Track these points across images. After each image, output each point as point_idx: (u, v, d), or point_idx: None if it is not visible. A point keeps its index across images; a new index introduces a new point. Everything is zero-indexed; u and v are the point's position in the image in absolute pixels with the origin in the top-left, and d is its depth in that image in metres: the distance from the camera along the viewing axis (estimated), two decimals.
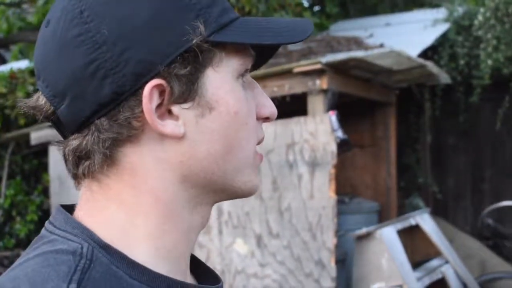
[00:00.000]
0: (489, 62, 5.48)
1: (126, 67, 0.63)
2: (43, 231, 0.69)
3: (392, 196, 5.61)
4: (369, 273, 4.24)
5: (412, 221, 4.71)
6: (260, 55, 0.76)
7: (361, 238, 4.28)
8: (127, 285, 0.63)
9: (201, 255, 4.34)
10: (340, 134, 4.07)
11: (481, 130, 6.60)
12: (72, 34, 0.63)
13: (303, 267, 4.06)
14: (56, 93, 0.66)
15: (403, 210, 5.89)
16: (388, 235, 4.26)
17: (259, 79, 4.20)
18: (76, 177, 0.70)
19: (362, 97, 5.02)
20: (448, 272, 4.56)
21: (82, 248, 0.63)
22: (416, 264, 4.55)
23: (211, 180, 0.70)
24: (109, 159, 0.66)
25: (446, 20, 6.19)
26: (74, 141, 0.66)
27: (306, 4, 6.81)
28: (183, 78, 0.65)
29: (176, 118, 0.66)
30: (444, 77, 5.48)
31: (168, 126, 0.65)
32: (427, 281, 4.32)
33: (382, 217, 5.30)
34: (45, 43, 0.67)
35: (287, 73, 4.28)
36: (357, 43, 5.59)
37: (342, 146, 4.11)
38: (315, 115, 4.16)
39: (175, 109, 0.66)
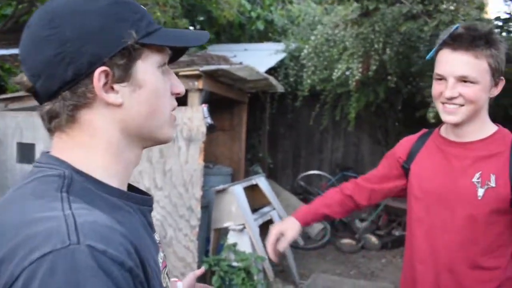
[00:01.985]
0: (309, 81, 5.52)
1: (83, 57, 0.66)
2: (32, 168, 0.72)
3: (242, 165, 5.51)
4: (223, 216, 4.11)
5: (253, 182, 4.65)
6: (175, 53, 0.79)
7: (219, 192, 4.14)
8: (94, 194, 0.67)
9: None
10: (209, 120, 3.92)
11: (301, 124, 6.70)
12: (45, 34, 0.66)
13: (178, 211, 3.84)
14: (34, 73, 0.68)
15: (248, 174, 5.83)
16: (237, 190, 4.16)
17: None
18: (50, 130, 0.72)
19: (226, 96, 4.85)
20: (274, 215, 4.54)
21: (64, 172, 0.67)
22: (254, 210, 4.49)
23: (141, 132, 0.74)
24: (72, 118, 0.70)
25: (283, 51, 6.17)
26: (47, 107, 0.70)
27: (191, 28, 6.51)
28: (121, 66, 0.69)
29: (116, 92, 0.70)
30: (280, 88, 5.45)
31: (111, 97, 0.69)
32: (260, 221, 4.27)
33: (234, 178, 5.18)
34: (24, 40, 0.70)
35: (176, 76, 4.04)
36: (225, 60, 5.40)
37: (210, 128, 3.96)
38: (193, 106, 3.96)
39: (116, 86, 0.70)
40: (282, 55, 6.07)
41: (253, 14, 6.60)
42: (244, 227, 3.97)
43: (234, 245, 3.92)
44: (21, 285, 0.53)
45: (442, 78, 1.36)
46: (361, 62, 4.90)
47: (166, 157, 3.92)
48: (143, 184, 3.95)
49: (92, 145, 0.71)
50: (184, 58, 5.26)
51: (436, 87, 1.39)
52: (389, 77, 5.05)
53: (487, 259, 1.39)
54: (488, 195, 1.35)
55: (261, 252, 3.89)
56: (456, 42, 1.31)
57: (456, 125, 1.40)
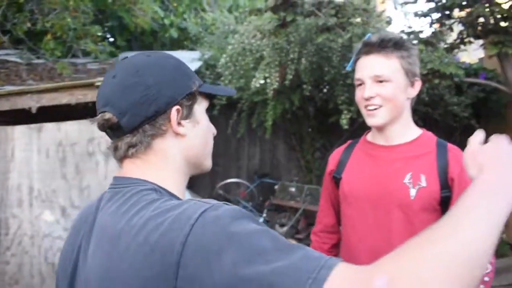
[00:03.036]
0: None
1: (162, 99, 0.83)
2: (110, 191, 0.86)
3: None
4: None
5: None
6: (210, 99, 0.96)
7: None
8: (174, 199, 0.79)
9: (14, 223, 3.62)
10: None
11: (218, 133, 6.65)
12: (132, 81, 0.83)
13: None
14: (121, 112, 0.82)
15: None
16: None
17: (68, 88, 3.66)
18: (121, 158, 0.87)
19: None
20: None
21: (154, 187, 0.82)
22: None
23: (196, 159, 0.91)
24: (149, 146, 0.85)
25: (199, 59, 6.12)
26: (128, 138, 0.84)
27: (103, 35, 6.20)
28: (187, 107, 0.87)
29: (183, 126, 0.87)
30: None
31: (180, 129, 0.86)
32: None
33: None
34: (111, 86, 0.84)
35: (90, 85, 3.78)
36: None
37: None
38: None
39: (183, 122, 0.87)
40: (197, 64, 6.01)
41: (166, 22, 6.46)
42: None
43: None
44: (198, 234, 0.67)
45: (361, 83, 1.46)
46: (277, 71, 5.03)
47: (83, 173, 3.68)
48: (58, 203, 3.67)
49: (164, 167, 0.86)
50: (94, 66, 4.99)
51: (358, 93, 1.47)
52: (304, 86, 5.24)
53: None
54: (420, 195, 1.40)
55: None
56: (368, 47, 1.44)
57: (381, 128, 1.47)
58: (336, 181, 1.60)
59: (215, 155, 6.65)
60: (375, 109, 1.42)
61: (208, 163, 0.95)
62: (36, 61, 5.42)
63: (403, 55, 1.41)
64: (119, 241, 0.72)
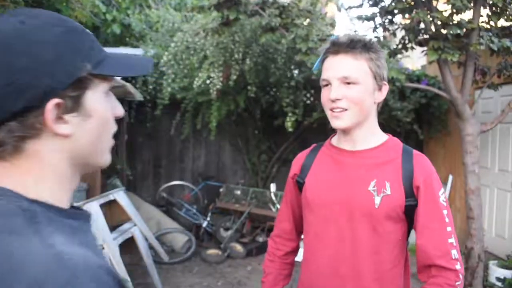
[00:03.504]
0: (169, 89, 5.36)
1: (35, 90, 0.63)
2: None
3: (98, 178, 5.07)
4: None
5: (111, 197, 4.31)
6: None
7: None
8: (57, 221, 0.66)
9: None
10: None
11: (160, 134, 6.48)
12: None
13: None
14: None
15: (105, 188, 5.41)
16: (93, 207, 3.79)
17: None
18: None
19: None
20: (136, 231, 4.28)
21: (22, 204, 0.64)
22: (113, 228, 4.17)
23: (87, 160, 0.73)
24: (18, 148, 0.66)
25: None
26: None
27: None
28: (73, 98, 0.67)
29: (66, 122, 0.68)
30: (138, 96, 5.16)
31: (61, 128, 0.67)
32: (120, 239, 3.97)
33: (90, 194, 4.74)
34: None
35: None
36: None
37: None
38: None
39: (66, 117, 0.67)
40: None
41: (108, 17, 6.17)
42: (103, 248, 3.64)
43: None
44: None
45: (327, 84, 1.38)
46: (221, 71, 4.91)
47: None
48: None
49: (41, 174, 0.69)
50: None
51: (323, 94, 1.40)
52: (249, 87, 5.15)
53: (390, 269, 1.39)
54: (384, 203, 1.35)
55: (122, 273, 3.60)
56: (336, 46, 1.36)
57: (346, 132, 1.41)
58: (300, 185, 1.53)
59: (158, 156, 6.43)
60: (341, 111, 1.36)
61: (103, 160, 0.76)
62: None
63: (372, 57, 1.34)
64: None
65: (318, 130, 6.03)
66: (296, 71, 5.56)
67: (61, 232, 0.64)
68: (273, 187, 5.70)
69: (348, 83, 1.34)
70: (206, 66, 4.89)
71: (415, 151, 1.43)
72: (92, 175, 4.99)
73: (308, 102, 5.85)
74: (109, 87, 0.74)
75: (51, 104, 0.64)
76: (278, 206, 5.72)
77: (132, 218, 4.36)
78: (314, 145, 1.59)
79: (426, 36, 3.87)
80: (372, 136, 1.43)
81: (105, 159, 0.77)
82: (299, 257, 1.67)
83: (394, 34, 4.36)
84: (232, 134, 6.44)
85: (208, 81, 5.01)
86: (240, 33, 4.90)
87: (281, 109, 5.48)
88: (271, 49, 5.15)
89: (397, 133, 6.25)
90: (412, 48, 4.21)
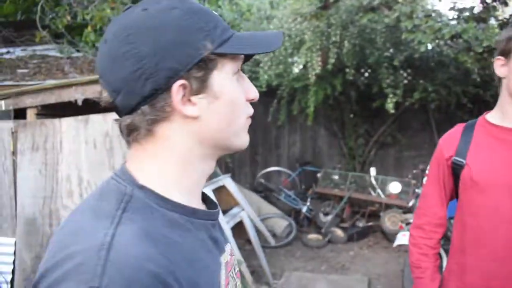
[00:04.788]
0: (265, 76, 5.47)
1: (160, 73, 0.65)
2: (108, 179, 0.71)
3: None
4: None
5: (221, 183, 4.52)
6: (246, 56, 0.76)
7: None
8: (155, 210, 0.66)
9: (65, 215, 3.69)
10: None
11: (256, 121, 6.64)
12: (122, 51, 0.66)
13: None
14: (113, 89, 0.68)
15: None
16: (207, 193, 4.02)
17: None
18: (128, 142, 0.72)
19: None
20: (244, 216, 4.45)
21: (126, 188, 0.67)
22: (223, 212, 4.37)
23: (218, 142, 0.73)
24: (150, 132, 0.69)
25: None
26: (127, 120, 0.69)
27: None
28: (198, 79, 0.67)
29: (194, 104, 0.69)
30: None
31: (188, 110, 0.68)
32: (232, 223, 4.17)
33: None
34: (102, 56, 0.69)
35: None
36: None
37: None
38: None
39: (193, 99, 0.68)
40: None
41: None
42: None
43: None
44: None
45: None
46: (319, 55, 4.92)
47: None
48: None
49: (165, 158, 0.70)
50: None
51: None
52: (347, 70, 5.11)
53: None
54: None
55: (237, 255, 3.78)
56: None
57: None
58: (457, 167, 1.49)
59: (254, 143, 6.62)
60: None
61: (239, 141, 0.75)
62: (75, 54, 5.49)
63: None
64: None
65: (419, 110, 5.84)
66: (391, 51, 5.42)
67: (146, 224, 0.63)
68: (373, 171, 5.64)
69: None
70: (303, 51, 4.92)
71: None
72: None
73: (406, 82, 5.69)
74: (237, 67, 0.72)
75: (176, 86, 0.65)
76: (379, 190, 5.65)
77: (241, 203, 4.55)
78: (461, 124, 1.55)
79: None
80: None
81: (243, 141, 0.76)
82: (405, 240, 1.64)
83: (505, 3, 4.10)
84: (328, 118, 6.44)
85: (304, 67, 5.05)
86: (336, 15, 4.87)
87: (379, 91, 5.38)
88: (368, 29, 5.06)
89: None
90: None
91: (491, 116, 1.48)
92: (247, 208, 4.58)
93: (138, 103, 0.66)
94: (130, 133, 0.69)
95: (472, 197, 1.47)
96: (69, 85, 3.73)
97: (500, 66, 1.39)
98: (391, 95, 4.99)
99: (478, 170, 1.43)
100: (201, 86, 0.68)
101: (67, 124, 3.54)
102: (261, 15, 6.34)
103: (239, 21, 6.76)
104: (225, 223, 3.98)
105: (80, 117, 3.53)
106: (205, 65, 0.67)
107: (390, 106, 4.92)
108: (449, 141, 1.54)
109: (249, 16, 6.78)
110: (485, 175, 1.42)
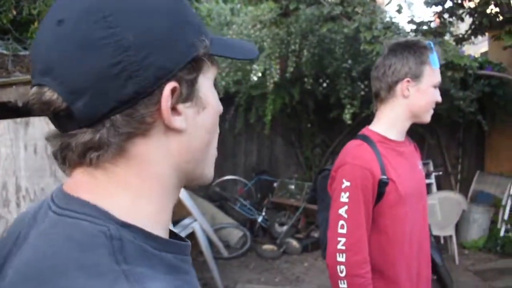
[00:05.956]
0: (223, 83, 5.33)
1: (148, 71, 0.49)
2: (51, 214, 0.51)
3: None
4: None
5: None
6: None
7: None
8: (152, 255, 0.50)
9: (1, 226, 3.38)
10: None
11: None
12: (96, 36, 0.47)
13: None
14: (73, 89, 0.48)
15: None
16: None
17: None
18: (73, 165, 0.52)
19: None
20: (196, 226, 4.27)
21: (109, 229, 0.48)
22: (174, 223, 4.17)
23: (193, 169, 0.58)
24: (121, 150, 0.51)
25: None
26: (85, 135, 0.49)
27: None
28: (189, 82, 0.53)
29: (179, 114, 0.53)
30: None
31: (177, 121, 0.53)
32: (183, 234, 3.96)
33: None
34: (58, 42, 0.48)
35: None
36: None
37: None
38: None
39: (180, 107, 0.53)
40: None
41: None
42: None
43: None
44: None
45: (437, 87, 1.54)
46: (278, 63, 4.83)
47: None
48: None
49: (141, 185, 0.53)
50: None
51: (434, 94, 1.53)
52: (305, 79, 5.04)
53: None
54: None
55: None
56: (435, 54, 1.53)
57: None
58: (383, 187, 1.49)
59: None
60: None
61: (209, 173, 0.62)
62: (22, 52, 5.15)
63: None
64: None
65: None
66: (350, 62, 5.41)
67: (156, 275, 0.49)
68: None
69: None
70: (262, 58, 4.82)
71: None
72: None
73: (363, 93, 5.69)
74: (215, 74, 0.60)
75: (168, 89, 0.51)
76: None
77: (193, 214, 4.36)
78: (360, 142, 1.53)
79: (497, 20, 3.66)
80: None
81: (210, 172, 0.62)
82: None
83: (461, 19, 4.15)
84: (285, 127, 6.35)
85: (263, 74, 4.95)
86: (296, 23, 4.80)
87: (337, 101, 5.34)
88: (327, 39, 5.02)
89: (458, 123, 5.99)
90: (483, 33, 3.99)
91: (385, 130, 1.56)
92: (200, 218, 4.40)
93: (111, 110, 0.49)
94: (86, 154, 0.50)
95: (396, 211, 1.51)
96: (9, 84, 3.44)
97: (405, 88, 1.50)
98: (348, 106, 4.96)
99: (400, 183, 1.51)
100: (190, 92, 0.54)
101: (4, 126, 3.25)
102: (221, 21, 6.21)
103: None
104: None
105: (19, 119, 3.25)
106: (196, 66, 0.54)
107: (347, 117, 4.89)
108: (371, 162, 1.49)
109: (209, 22, 6.62)
110: (405, 186, 1.52)
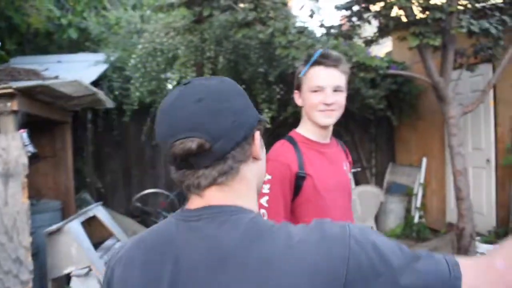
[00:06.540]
0: (137, 93, 5.10)
1: (247, 124, 0.82)
2: (188, 222, 0.82)
3: (71, 195, 4.76)
4: (61, 261, 3.43)
5: (91, 213, 4.03)
6: None
7: (52, 233, 3.44)
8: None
9: None
10: (30, 148, 3.24)
11: (129, 141, 6.19)
12: (222, 106, 0.80)
13: (2, 266, 3.03)
14: (214, 137, 0.78)
15: (75, 204, 5.07)
16: (75, 227, 3.52)
17: None
18: (206, 187, 0.82)
19: (45, 117, 4.08)
20: None
21: (256, 214, 0.83)
22: (95, 245, 3.89)
23: (260, 182, 0.92)
24: (237, 173, 0.83)
25: (104, 61, 5.54)
26: (220, 165, 0.80)
27: None
28: (260, 131, 0.87)
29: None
30: (109, 103, 4.86)
31: (262, 152, 0.89)
32: (106, 258, 3.69)
33: (65, 213, 4.42)
34: (199, 112, 0.79)
35: None
36: (36, 74, 4.52)
37: (33, 158, 3.28)
38: (7, 133, 3.19)
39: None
40: (103, 67, 5.46)
41: (64, 21, 5.75)
42: (90, 270, 3.37)
43: None
44: (356, 253, 0.74)
45: (318, 90, 1.66)
46: (194, 71, 4.71)
47: None
48: None
49: (248, 194, 0.86)
50: None
51: (315, 97, 1.67)
52: None
53: None
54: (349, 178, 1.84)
55: None
56: (327, 60, 1.67)
57: (326, 128, 1.73)
58: (300, 180, 1.66)
59: (127, 165, 6.11)
60: (332, 111, 1.69)
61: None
62: None
63: (347, 70, 1.72)
64: (269, 268, 0.73)
65: (293, 125, 5.93)
66: (265, 66, 5.44)
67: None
68: None
69: (336, 91, 1.67)
70: (177, 66, 4.67)
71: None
72: (66, 192, 4.66)
73: (279, 97, 5.75)
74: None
75: (258, 133, 0.85)
76: None
77: (115, 234, 4.10)
78: (284, 142, 1.73)
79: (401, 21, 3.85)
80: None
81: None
82: None
83: (369, 22, 4.32)
84: None
85: (180, 82, 4.79)
86: (209, 30, 4.71)
87: (255, 106, 5.32)
88: (242, 45, 4.99)
89: (369, 120, 6.27)
90: (388, 34, 4.18)
91: (306, 132, 1.74)
92: (123, 238, 4.14)
93: (232, 147, 0.80)
94: (218, 177, 0.80)
95: (314, 203, 1.65)
96: None
97: (297, 98, 1.73)
98: (266, 110, 4.97)
99: (318, 178, 1.65)
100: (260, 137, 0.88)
101: None
102: (131, 29, 5.94)
103: (107, 34, 6.26)
104: (98, 258, 3.52)
105: None
106: (259, 123, 0.87)
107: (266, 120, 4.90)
108: (290, 158, 1.68)
109: (118, 30, 6.31)
110: (323, 181, 1.66)
